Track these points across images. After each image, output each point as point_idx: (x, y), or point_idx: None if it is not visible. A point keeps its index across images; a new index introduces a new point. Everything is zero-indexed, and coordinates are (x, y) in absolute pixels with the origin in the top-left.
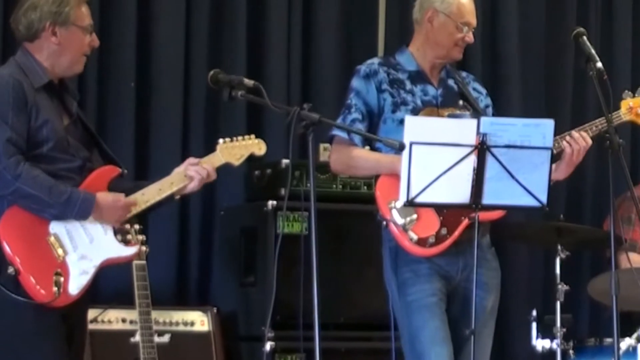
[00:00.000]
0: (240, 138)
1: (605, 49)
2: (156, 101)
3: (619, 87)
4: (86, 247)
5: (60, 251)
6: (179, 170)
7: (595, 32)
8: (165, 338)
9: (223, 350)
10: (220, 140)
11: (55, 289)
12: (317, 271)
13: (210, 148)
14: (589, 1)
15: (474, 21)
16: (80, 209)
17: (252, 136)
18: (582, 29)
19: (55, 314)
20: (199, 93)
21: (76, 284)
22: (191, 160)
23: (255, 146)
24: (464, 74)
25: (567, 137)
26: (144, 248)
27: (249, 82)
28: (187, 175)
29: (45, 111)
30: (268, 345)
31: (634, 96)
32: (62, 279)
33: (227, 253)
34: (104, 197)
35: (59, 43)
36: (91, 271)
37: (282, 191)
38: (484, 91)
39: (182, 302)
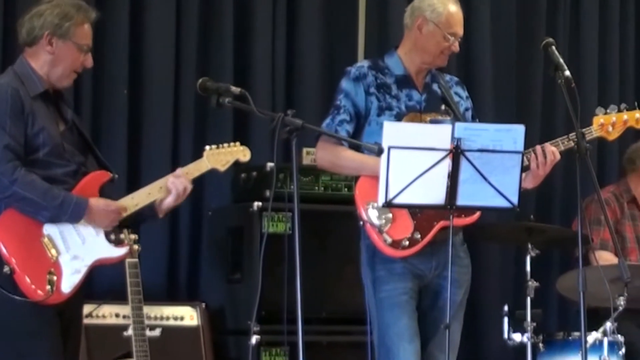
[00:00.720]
0: (226, 145)
1: (573, 58)
2: (147, 107)
3: (586, 94)
4: (78, 248)
5: (53, 252)
6: (166, 178)
7: (564, 42)
8: (157, 332)
9: (211, 343)
10: (207, 147)
11: (48, 287)
12: (300, 269)
13: (198, 152)
14: (557, 13)
15: (461, 31)
16: (72, 212)
17: (237, 143)
18: (551, 40)
19: (50, 311)
20: (188, 100)
21: (69, 282)
22: (178, 172)
23: (240, 153)
24: (447, 77)
25: (532, 152)
26: (136, 247)
27: (235, 89)
28: (167, 186)
29: (41, 118)
30: (254, 339)
31: (605, 113)
32: (55, 278)
33: (215, 251)
34: (96, 202)
35: (53, 53)
36: (83, 270)
37: (267, 193)
38: (465, 94)
39: (173, 297)
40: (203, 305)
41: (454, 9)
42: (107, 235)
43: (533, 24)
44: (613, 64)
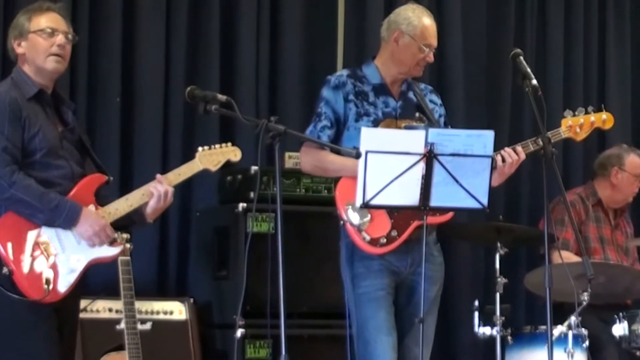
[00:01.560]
0: (217, 146)
1: (539, 67)
2: (139, 114)
3: (552, 101)
4: (74, 249)
5: (50, 252)
6: (148, 184)
7: (531, 53)
8: (147, 326)
9: (199, 336)
10: (200, 148)
11: (45, 286)
12: (283, 266)
13: (187, 156)
14: (525, 25)
15: (435, 43)
16: (67, 217)
17: (229, 144)
18: (519, 50)
19: (46, 308)
20: (177, 107)
21: (65, 282)
22: (158, 177)
23: (232, 153)
24: (422, 86)
25: (502, 151)
26: (128, 245)
27: (221, 97)
28: (150, 190)
29: (37, 121)
30: (239, 332)
31: (574, 115)
32: (52, 277)
33: (202, 250)
34: (88, 213)
35: (24, 53)
36: (78, 270)
37: (252, 195)
38: (439, 102)
39: (162, 293)
40: (191, 300)
41: (429, 22)
42: None
43: (502, 36)
44: (577, 73)
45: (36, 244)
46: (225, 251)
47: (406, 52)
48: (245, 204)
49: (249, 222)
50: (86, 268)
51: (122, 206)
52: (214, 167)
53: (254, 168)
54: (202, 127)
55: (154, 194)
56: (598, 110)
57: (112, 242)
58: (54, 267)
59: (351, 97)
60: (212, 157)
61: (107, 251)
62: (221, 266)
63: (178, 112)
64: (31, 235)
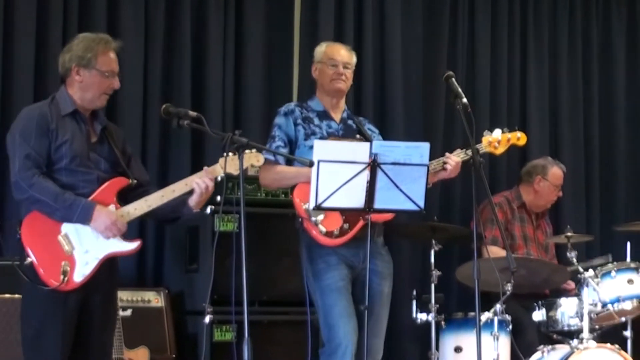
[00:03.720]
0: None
1: (469, 87)
2: (120, 126)
3: (480, 117)
4: (91, 243)
5: (68, 247)
6: (192, 177)
7: (462, 75)
8: (128, 312)
9: (173, 322)
10: (225, 154)
11: (62, 277)
12: (245, 260)
13: (163, 163)
14: (456, 50)
15: (340, 57)
16: (81, 214)
17: (254, 150)
18: (451, 73)
19: (64, 296)
20: (154, 121)
21: (80, 273)
22: (202, 172)
23: (254, 158)
24: (360, 118)
25: (445, 160)
26: None
27: (192, 113)
28: (188, 184)
29: (66, 133)
30: (207, 318)
31: (491, 134)
32: (68, 268)
33: (176, 246)
34: (101, 209)
35: (81, 81)
36: (94, 263)
37: (218, 198)
38: (376, 131)
39: (141, 284)
40: (166, 290)
41: (332, 45)
42: None
43: (436, 59)
44: (502, 92)
45: (57, 239)
46: (196, 247)
47: (322, 75)
48: (213, 207)
49: (216, 222)
50: (102, 261)
51: (140, 206)
52: (235, 172)
53: (220, 175)
54: (176, 139)
55: (196, 188)
56: (513, 130)
57: (130, 239)
58: (71, 259)
59: (299, 121)
60: (234, 162)
61: (124, 246)
62: (192, 260)
63: (155, 126)
64: (53, 231)
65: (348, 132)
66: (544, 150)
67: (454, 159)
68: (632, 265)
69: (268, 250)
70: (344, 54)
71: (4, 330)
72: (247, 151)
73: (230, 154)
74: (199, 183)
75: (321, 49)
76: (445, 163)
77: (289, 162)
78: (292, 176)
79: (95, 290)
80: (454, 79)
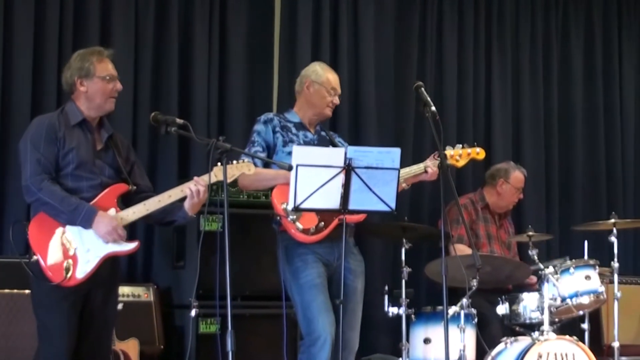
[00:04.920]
0: (234, 162)
1: (437, 96)
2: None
3: (447, 125)
4: (93, 243)
5: (71, 246)
6: (186, 184)
7: (430, 85)
8: (120, 306)
9: (161, 315)
10: (218, 164)
11: (64, 273)
12: (229, 258)
13: (151, 167)
14: (425, 62)
15: (338, 89)
16: (84, 217)
17: (247, 160)
18: (420, 83)
19: (67, 290)
20: (144, 129)
21: (82, 270)
22: (195, 179)
23: (245, 167)
24: (331, 132)
25: (427, 165)
26: None
27: (179, 121)
28: (183, 190)
29: (73, 141)
30: (193, 312)
31: (453, 149)
32: (71, 266)
33: (164, 245)
34: (102, 215)
35: (86, 91)
36: (94, 261)
37: None
38: (345, 144)
39: (132, 280)
40: (155, 286)
41: (332, 73)
42: None
43: (407, 72)
44: (468, 101)
45: (61, 239)
46: (183, 246)
47: (317, 95)
48: None
49: (201, 222)
50: (102, 260)
51: (139, 209)
52: (229, 179)
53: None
54: (163, 144)
55: (188, 193)
56: (473, 146)
57: (129, 239)
58: (74, 258)
59: (278, 129)
60: (229, 171)
61: (123, 246)
62: (179, 258)
63: (144, 132)
64: (58, 232)
65: (322, 142)
66: (507, 156)
67: (433, 163)
68: (590, 262)
69: (250, 248)
70: (338, 85)
71: (11, 323)
72: (240, 160)
73: (217, 167)
74: (191, 188)
75: (322, 72)
76: (427, 167)
77: (267, 165)
78: (270, 178)
79: (97, 286)
80: (423, 89)
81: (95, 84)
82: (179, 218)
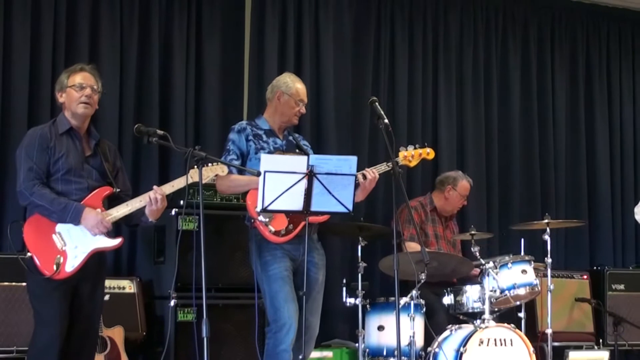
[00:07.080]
0: (210, 164)
1: (389, 110)
2: None
3: (399, 135)
4: (80, 240)
5: (61, 243)
6: (147, 193)
7: (384, 99)
8: (106, 297)
9: (143, 305)
10: (195, 166)
11: (55, 267)
12: (204, 254)
13: (135, 174)
14: (379, 78)
15: (305, 99)
16: (72, 214)
17: (219, 164)
18: (374, 98)
19: (57, 284)
20: (128, 139)
21: (71, 264)
22: (154, 188)
23: (219, 169)
24: (297, 135)
25: (363, 171)
26: None
27: (160, 132)
28: (147, 197)
29: (62, 148)
30: (172, 302)
31: (406, 149)
32: (61, 261)
33: (146, 242)
34: (89, 211)
35: (64, 102)
36: (82, 257)
37: (182, 202)
38: (309, 145)
39: (117, 273)
40: (138, 279)
41: (300, 85)
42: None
43: (362, 87)
44: (417, 113)
45: (52, 236)
46: (163, 243)
47: (286, 106)
48: (177, 209)
49: (179, 222)
50: (89, 255)
51: (122, 209)
52: (204, 180)
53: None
54: (146, 153)
55: (148, 200)
56: (423, 146)
57: (114, 236)
58: (63, 253)
59: (250, 137)
60: (204, 173)
61: (108, 242)
62: (159, 254)
63: (128, 142)
64: (49, 230)
65: (290, 147)
66: (452, 163)
67: (371, 172)
68: (526, 258)
69: (223, 245)
70: (305, 95)
71: (10, 312)
72: (214, 164)
73: (192, 170)
74: (150, 196)
75: (292, 84)
76: (363, 175)
77: (241, 172)
78: (244, 184)
79: (85, 279)
80: (377, 103)
81: (68, 94)
82: (142, 222)
